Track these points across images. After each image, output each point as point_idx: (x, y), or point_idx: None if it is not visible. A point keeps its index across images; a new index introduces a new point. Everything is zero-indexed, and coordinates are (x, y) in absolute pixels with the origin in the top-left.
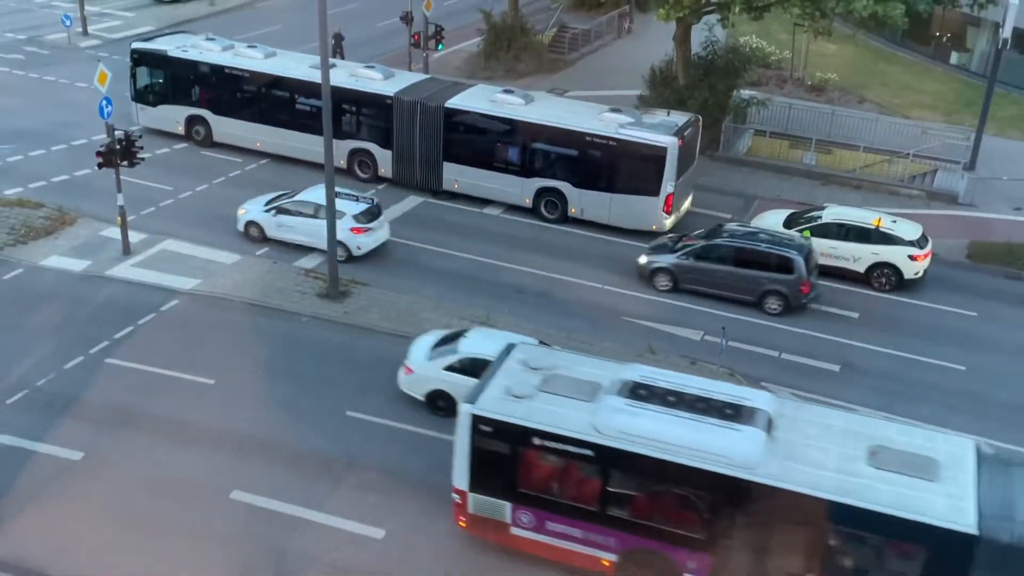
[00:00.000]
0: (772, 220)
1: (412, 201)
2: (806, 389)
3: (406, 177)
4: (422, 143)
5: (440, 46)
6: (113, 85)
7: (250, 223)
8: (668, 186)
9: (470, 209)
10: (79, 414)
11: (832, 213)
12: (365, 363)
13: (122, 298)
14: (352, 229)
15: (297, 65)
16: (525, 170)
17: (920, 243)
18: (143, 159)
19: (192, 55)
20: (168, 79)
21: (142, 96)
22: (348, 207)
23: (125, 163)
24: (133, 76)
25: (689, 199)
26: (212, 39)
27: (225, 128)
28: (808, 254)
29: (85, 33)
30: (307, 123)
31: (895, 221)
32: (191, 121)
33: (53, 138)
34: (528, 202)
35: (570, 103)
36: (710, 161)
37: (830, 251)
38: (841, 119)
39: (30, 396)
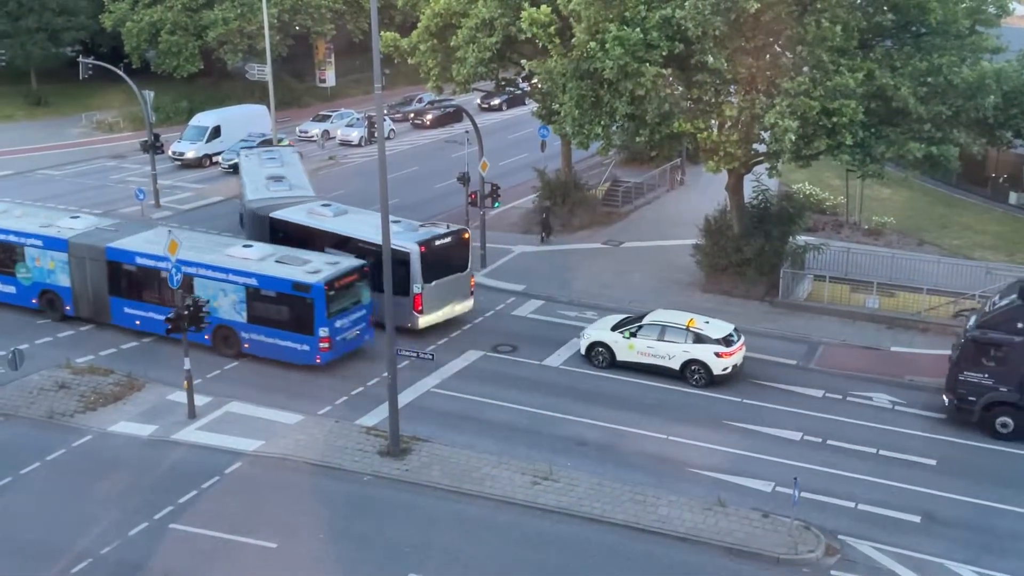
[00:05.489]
0: (601, 323)
1: (472, 355)
2: (885, 542)
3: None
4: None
5: (496, 204)
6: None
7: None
8: (415, 287)
9: (529, 362)
10: None
11: (652, 316)
12: (426, 522)
13: (187, 462)
14: None
15: None
16: None
17: (727, 341)
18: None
19: None
20: None
21: None
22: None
23: (193, 328)
24: None
25: (460, 305)
26: None
27: None
28: None
29: (158, 205)
30: None
31: (707, 322)
32: None
33: None
34: None
35: (368, 215)
36: (770, 307)
37: (648, 350)
38: (901, 262)
39: (95, 565)
